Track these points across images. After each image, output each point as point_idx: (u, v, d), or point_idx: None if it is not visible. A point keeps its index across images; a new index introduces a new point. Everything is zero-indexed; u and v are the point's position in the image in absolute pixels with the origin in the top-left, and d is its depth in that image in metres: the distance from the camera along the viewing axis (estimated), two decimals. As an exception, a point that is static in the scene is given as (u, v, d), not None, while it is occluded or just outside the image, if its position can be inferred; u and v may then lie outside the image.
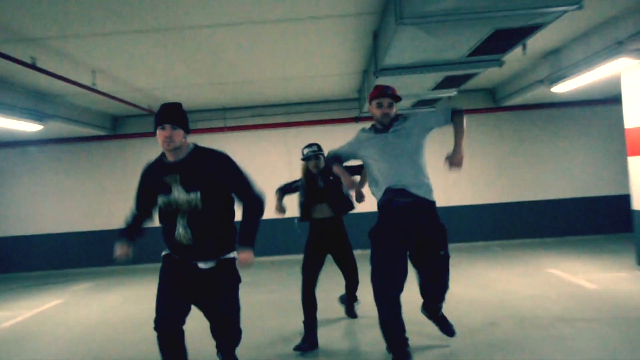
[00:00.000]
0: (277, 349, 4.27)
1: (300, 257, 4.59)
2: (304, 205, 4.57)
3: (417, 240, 3.52)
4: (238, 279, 3.13)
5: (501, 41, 4.45)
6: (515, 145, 9.59)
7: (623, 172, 7.05)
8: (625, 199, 6.91)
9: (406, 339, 3.51)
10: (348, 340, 4.52)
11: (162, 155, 3.10)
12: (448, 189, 9.03)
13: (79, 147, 9.88)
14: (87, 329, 5.53)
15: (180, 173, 2.98)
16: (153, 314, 2.97)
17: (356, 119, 9.38)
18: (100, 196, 9.88)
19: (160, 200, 3.02)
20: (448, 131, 3.52)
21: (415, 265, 3.66)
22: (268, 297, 5.98)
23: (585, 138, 9.48)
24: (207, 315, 3.16)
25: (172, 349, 3.04)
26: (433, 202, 3.57)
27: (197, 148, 3.12)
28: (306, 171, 4.54)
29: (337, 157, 3.87)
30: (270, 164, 9.52)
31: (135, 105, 8.01)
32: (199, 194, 2.92)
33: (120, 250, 3.19)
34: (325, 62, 6.70)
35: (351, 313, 4.98)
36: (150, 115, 8.91)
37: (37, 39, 4.98)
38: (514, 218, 9.58)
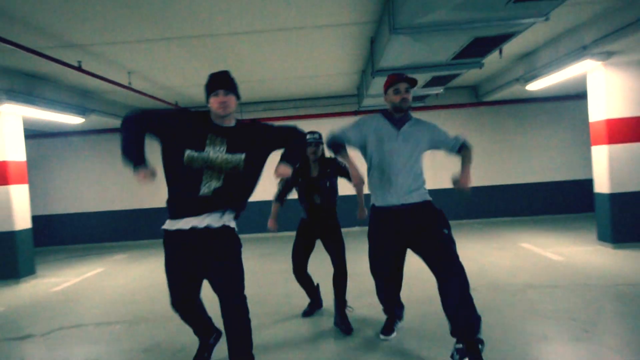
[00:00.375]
0: (286, 311, 4.32)
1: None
2: (285, 189, 4.08)
3: (415, 234, 3.05)
4: (240, 245, 2.80)
5: (480, 47, 4.46)
6: (495, 136, 9.57)
7: (587, 160, 7.04)
8: (589, 183, 6.94)
9: (400, 313, 3.53)
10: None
11: (209, 114, 2.70)
12: (437, 172, 8.89)
13: (115, 137, 9.62)
14: (126, 292, 5.63)
15: (228, 138, 2.63)
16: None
17: (355, 112, 9.36)
18: (133, 179, 9.92)
19: (187, 154, 2.54)
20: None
21: (425, 260, 3.06)
22: (279, 266, 6.02)
23: (555, 129, 9.47)
24: (215, 282, 2.72)
25: (194, 320, 2.99)
26: (427, 201, 3.13)
27: (239, 121, 2.78)
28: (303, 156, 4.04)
29: (341, 144, 3.17)
30: (279, 152, 9.59)
31: (163, 101, 8.02)
32: (243, 156, 2.60)
33: (143, 174, 2.59)
34: (328, 64, 6.68)
35: (346, 326, 3.68)
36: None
37: (82, 45, 5.05)
38: (493, 199, 9.57)
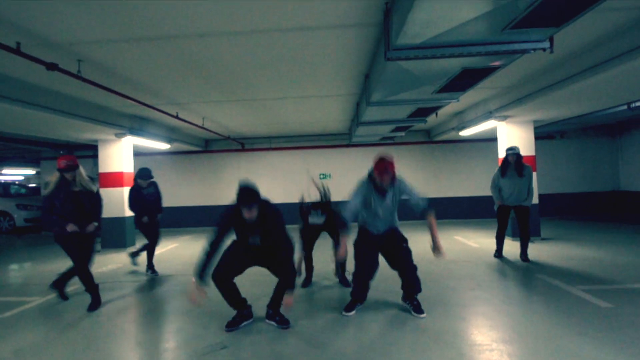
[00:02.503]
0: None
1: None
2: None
3: (386, 247, 3.34)
4: (292, 247, 3.01)
5: (422, 112, 5.09)
6: (441, 163, 9.90)
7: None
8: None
9: (363, 299, 3.46)
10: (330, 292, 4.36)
11: (239, 210, 2.78)
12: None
13: (185, 157, 10.23)
14: (193, 257, 5.43)
15: (259, 233, 2.88)
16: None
17: (347, 145, 9.87)
18: (197, 185, 10.13)
19: (239, 237, 2.93)
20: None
21: (390, 264, 3.39)
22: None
23: (480, 161, 9.72)
24: (276, 271, 3.04)
25: (227, 293, 2.99)
26: (396, 227, 3.39)
27: (261, 208, 2.82)
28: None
29: (346, 223, 3.16)
30: (295, 168, 9.87)
31: (220, 134, 8.58)
32: (259, 238, 2.90)
33: (196, 295, 2.73)
34: (331, 115, 7.24)
35: (345, 283, 4.20)
36: (227, 140, 9.43)
37: (180, 103, 5.69)
38: (439, 206, 8.99)
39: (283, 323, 3.08)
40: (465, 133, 7.59)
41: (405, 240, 3.33)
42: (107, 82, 4.25)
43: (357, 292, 3.39)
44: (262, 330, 3.09)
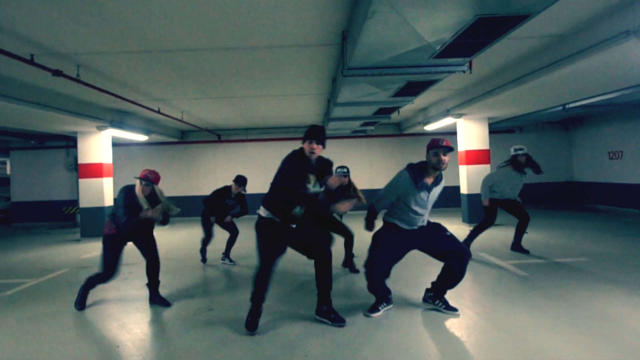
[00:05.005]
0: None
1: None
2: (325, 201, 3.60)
3: (420, 242, 3.10)
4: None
5: (385, 111, 5.88)
6: (411, 155, 9.80)
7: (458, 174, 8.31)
8: (459, 188, 8.43)
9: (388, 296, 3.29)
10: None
11: (303, 155, 2.75)
12: (372, 179, 10.31)
13: (161, 147, 10.65)
14: (173, 245, 6.68)
15: (315, 173, 2.80)
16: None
17: None
18: (173, 176, 10.51)
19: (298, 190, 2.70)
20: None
21: (436, 256, 3.14)
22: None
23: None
24: (306, 245, 2.97)
25: (267, 286, 2.93)
26: (427, 222, 3.16)
27: (319, 157, 2.88)
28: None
29: (376, 213, 3.16)
30: (271, 160, 10.05)
31: (196, 126, 9.09)
32: (323, 188, 2.78)
33: None
34: (304, 110, 7.93)
35: (353, 269, 4.47)
36: (202, 131, 9.86)
37: (163, 99, 6.24)
38: None
39: (337, 321, 2.96)
40: (430, 127, 8.49)
41: (443, 229, 3.12)
42: (101, 83, 4.84)
43: (376, 287, 3.15)
44: (243, 293, 3.87)
